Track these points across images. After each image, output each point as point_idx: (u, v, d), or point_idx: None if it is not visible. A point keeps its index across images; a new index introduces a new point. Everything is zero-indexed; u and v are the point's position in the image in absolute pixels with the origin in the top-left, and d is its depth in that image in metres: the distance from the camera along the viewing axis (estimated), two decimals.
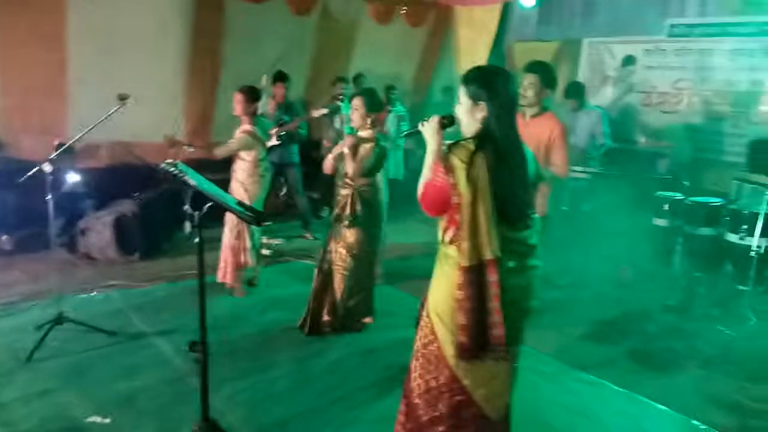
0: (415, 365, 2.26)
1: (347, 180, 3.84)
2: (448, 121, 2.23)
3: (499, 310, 2.03)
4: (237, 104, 4.39)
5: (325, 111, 6.05)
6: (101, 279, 4.75)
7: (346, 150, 3.79)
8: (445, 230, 2.15)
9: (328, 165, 3.95)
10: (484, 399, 2.17)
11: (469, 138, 2.12)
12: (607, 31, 6.87)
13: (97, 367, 3.37)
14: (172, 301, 4.37)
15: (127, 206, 5.47)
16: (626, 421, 3.08)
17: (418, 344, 2.26)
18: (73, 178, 5.33)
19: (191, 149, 4.40)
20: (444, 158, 2.08)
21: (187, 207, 2.36)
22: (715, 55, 6.27)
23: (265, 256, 5.27)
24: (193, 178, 2.42)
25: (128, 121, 4.60)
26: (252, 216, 2.65)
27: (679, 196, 4.89)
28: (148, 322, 4.00)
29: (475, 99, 2.10)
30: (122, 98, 3.69)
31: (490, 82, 2.10)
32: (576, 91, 5.41)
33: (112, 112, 3.69)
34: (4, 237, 5.27)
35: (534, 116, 3.74)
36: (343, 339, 3.86)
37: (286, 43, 6.94)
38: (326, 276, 3.92)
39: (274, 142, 5.67)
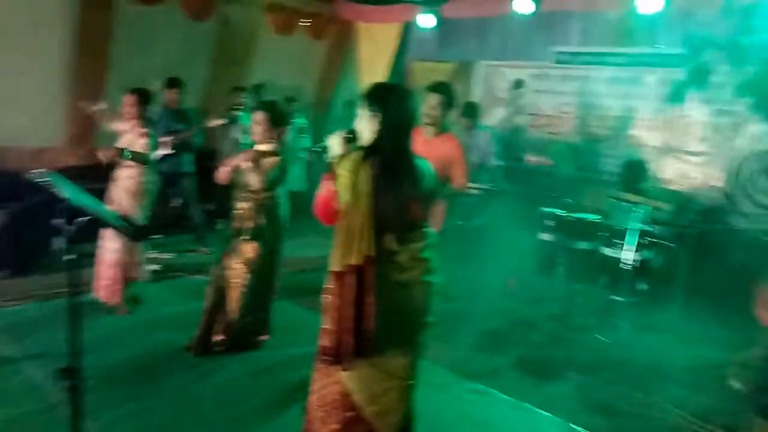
0: (314, 377, 2.30)
1: (249, 193, 3.73)
2: (354, 136, 2.27)
3: (370, 318, 2.06)
4: (129, 107, 4.17)
5: (222, 121, 5.87)
6: None
7: (245, 164, 3.68)
8: None
9: (222, 176, 3.79)
10: (375, 415, 2.19)
11: (360, 149, 2.18)
12: (499, 55, 7.22)
13: None
14: (44, 321, 3.98)
15: None
16: (512, 428, 3.22)
17: (316, 355, 2.28)
18: None
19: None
20: (332, 168, 2.17)
21: (58, 221, 2.15)
22: (594, 82, 6.76)
23: (154, 272, 4.99)
24: (67, 191, 2.22)
25: None
26: (132, 230, 2.49)
27: (561, 212, 5.22)
28: (18, 345, 3.65)
29: (371, 113, 2.18)
30: None
31: (384, 98, 2.22)
32: (472, 112, 5.67)
33: None
34: None
35: (436, 135, 3.91)
36: (237, 358, 3.72)
37: (181, 48, 6.67)
38: (220, 293, 3.76)
39: (166, 150, 5.40)
